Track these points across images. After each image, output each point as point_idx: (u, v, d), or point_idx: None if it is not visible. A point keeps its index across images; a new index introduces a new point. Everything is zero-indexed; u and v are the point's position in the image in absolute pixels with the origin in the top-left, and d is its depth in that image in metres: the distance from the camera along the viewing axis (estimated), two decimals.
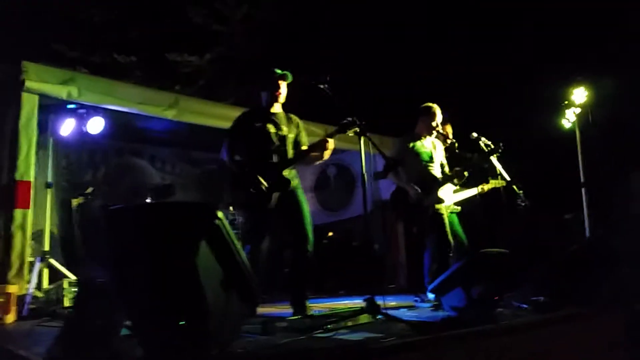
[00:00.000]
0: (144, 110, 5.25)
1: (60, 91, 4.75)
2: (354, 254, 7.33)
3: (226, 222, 2.19)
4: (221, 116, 5.83)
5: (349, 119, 3.59)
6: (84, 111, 5.09)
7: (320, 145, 3.82)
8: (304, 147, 3.99)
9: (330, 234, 7.69)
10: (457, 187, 4.78)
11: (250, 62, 12.30)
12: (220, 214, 2.14)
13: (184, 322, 2.12)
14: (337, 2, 11.10)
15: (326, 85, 3.60)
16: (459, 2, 9.44)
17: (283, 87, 3.97)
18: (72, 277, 4.74)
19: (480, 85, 8.21)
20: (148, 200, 5.60)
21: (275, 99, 3.98)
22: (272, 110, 4.00)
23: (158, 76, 12.10)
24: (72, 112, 5.11)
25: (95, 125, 5.19)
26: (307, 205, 3.92)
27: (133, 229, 2.10)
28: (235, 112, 5.88)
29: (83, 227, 5.02)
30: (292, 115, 4.10)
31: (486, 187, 4.86)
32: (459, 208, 4.90)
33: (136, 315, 2.19)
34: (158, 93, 5.64)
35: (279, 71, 3.94)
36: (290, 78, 3.95)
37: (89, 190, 4.77)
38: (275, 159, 3.85)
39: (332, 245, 7.42)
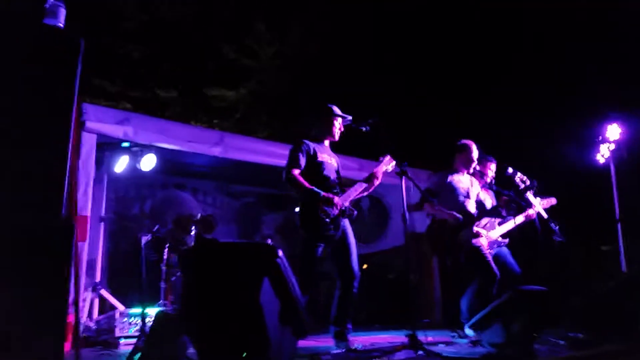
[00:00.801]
0: (192, 148, 5.55)
1: (117, 131, 5.09)
2: (389, 286, 7.41)
3: (285, 260, 2.40)
4: (262, 152, 6.12)
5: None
6: (137, 149, 5.41)
7: (372, 177, 4.05)
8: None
9: (365, 266, 7.79)
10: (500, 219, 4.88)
11: (280, 97, 12.71)
12: (280, 253, 2.35)
13: (246, 354, 2.31)
14: (364, 42, 11.41)
15: (368, 128, 3.84)
16: (491, 39, 9.65)
17: (339, 125, 4.14)
18: (122, 308, 5.00)
19: (515, 121, 8.35)
20: (192, 232, 5.81)
21: (330, 134, 4.16)
22: (322, 143, 4.19)
23: (197, 111, 12.61)
24: (126, 150, 5.43)
25: (148, 162, 5.50)
26: (353, 238, 4.06)
27: (203, 266, 2.32)
28: (276, 148, 6.22)
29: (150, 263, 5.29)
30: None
31: (519, 219, 4.92)
32: (507, 240, 4.98)
33: (202, 345, 2.39)
34: (204, 131, 5.96)
35: (337, 110, 4.12)
36: (349, 120, 4.11)
37: (156, 227, 5.02)
38: (337, 189, 4.03)
39: (367, 277, 7.50)
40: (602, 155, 5.48)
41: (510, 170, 4.91)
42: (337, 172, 4.17)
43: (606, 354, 3.56)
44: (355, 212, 3.96)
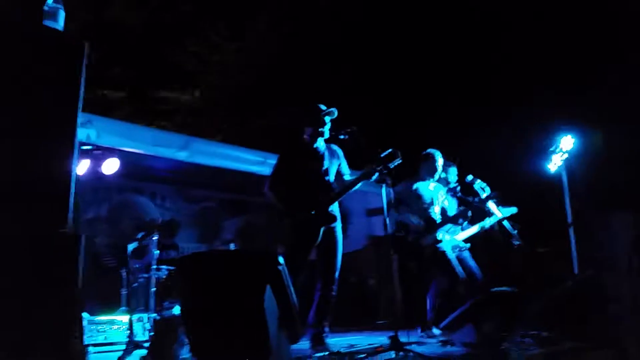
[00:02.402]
0: (157, 152, 5.44)
1: (79, 134, 4.89)
2: (351, 289, 7.52)
3: (286, 268, 2.43)
4: (229, 157, 6.09)
5: (390, 150, 3.84)
6: (99, 152, 5.21)
7: (363, 178, 3.95)
8: (347, 178, 4.18)
9: None
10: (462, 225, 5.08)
11: (239, 98, 12.59)
12: (282, 260, 2.38)
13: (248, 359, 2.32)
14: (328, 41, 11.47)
15: (346, 136, 3.89)
16: (449, 49, 9.89)
17: (328, 123, 4.05)
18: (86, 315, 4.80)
19: (471, 128, 8.66)
20: (155, 237, 5.63)
21: (320, 135, 4.05)
22: (315, 144, 4.10)
23: (145, 112, 12.27)
24: (88, 153, 5.21)
25: (111, 166, 5.31)
26: (341, 244, 4.04)
27: (207, 273, 2.32)
28: (243, 153, 6.20)
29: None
30: (332, 146, 4.22)
31: (487, 224, 5.12)
32: (469, 245, 5.16)
33: (204, 352, 2.38)
34: (170, 135, 5.86)
35: (324, 107, 4.02)
36: (335, 114, 4.03)
37: (141, 234, 4.84)
38: (320, 194, 3.97)
39: None
40: (555, 164, 5.78)
41: (470, 177, 5.12)
42: (329, 172, 4.09)
43: (570, 351, 3.78)
44: (335, 219, 4.00)
